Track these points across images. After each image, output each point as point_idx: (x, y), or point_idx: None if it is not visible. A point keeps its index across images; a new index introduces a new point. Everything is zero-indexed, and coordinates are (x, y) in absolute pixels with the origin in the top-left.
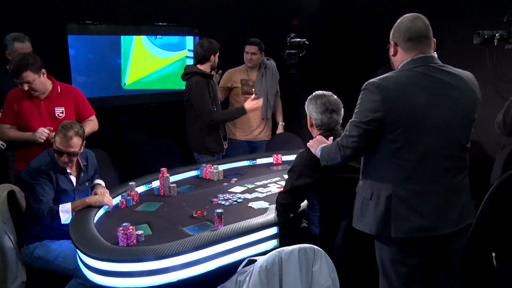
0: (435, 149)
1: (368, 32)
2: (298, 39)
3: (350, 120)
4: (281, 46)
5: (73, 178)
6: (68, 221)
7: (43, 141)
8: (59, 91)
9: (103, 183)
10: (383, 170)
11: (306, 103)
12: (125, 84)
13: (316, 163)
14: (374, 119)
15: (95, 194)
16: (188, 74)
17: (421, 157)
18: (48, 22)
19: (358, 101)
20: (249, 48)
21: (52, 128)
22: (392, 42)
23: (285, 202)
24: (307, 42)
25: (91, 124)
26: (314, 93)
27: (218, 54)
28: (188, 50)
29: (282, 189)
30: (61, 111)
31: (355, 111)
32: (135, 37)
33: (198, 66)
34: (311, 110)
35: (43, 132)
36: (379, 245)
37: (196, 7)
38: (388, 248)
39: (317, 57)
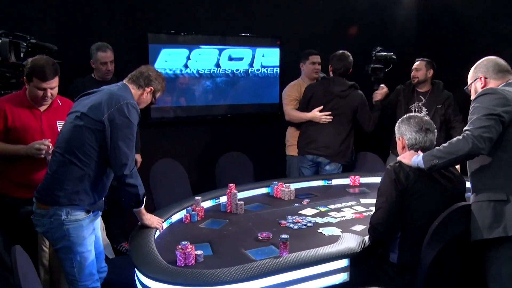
0: None
1: (463, 51)
2: (385, 53)
3: (473, 117)
4: (366, 60)
5: None
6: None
7: (42, 156)
8: (59, 103)
9: None
10: None
11: (396, 125)
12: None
13: (401, 176)
14: (505, 111)
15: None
16: (352, 87)
17: None
18: (131, 31)
19: (475, 107)
20: (316, 58)
21: (50, 140)
22: (480, 76)
23: (380, 222)
24: (395, 57)
25: None
26: (405, 115)
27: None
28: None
29: (357, 214)
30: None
31: (475, 113)
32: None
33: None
34: (404, 130)
35: (42, 145)
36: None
37: (278, 19)
38: None
39: (406, 74)
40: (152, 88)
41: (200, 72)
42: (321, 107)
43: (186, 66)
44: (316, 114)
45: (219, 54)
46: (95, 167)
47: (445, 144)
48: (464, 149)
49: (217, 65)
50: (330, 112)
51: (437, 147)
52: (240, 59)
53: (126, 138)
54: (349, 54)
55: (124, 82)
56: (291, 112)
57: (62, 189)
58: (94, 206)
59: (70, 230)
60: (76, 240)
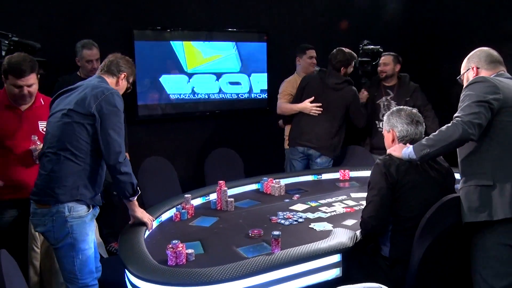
0: None
1: (451, 44)
2: (372, 46)
3: (463, 105)
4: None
5: None
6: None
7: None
8: (42, 102)
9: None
10: (504, 155)
11: (385, 118)
12: (192, 89)
13: (391, 169)
14: (495, 99)
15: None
16: (346, 82)
17: None
18: (116, 28)
19: (466, 94)
20: (312, 52)
21: (37, 137)
22: (472, 67)
23: (372, 216)
24: (381, 50)
25: None
26: (393, 109)
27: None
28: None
29: (348, 209)
30: (45, 125)
31: (465, 101)
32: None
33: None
34: (395, 122)
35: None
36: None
37: (265, 13)
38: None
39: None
40: (125, 73)
41: (187, 68)
42: (312, 98)
43: (171, 61)
44: (307, 105)
45: (205, 50)
46: (90, 161)
47: (435, 133)
48: (455, 134)
49: (204, 61)
50: (321, 104)
51: (426, 137)
52: (227, 54)
53: (116, 126)
54: (349, 51)
55: (98, 75)
56: (282, 105)
57: (62, 186)
58: (94, 200)
59: (73, 227)
60: (79, 237)
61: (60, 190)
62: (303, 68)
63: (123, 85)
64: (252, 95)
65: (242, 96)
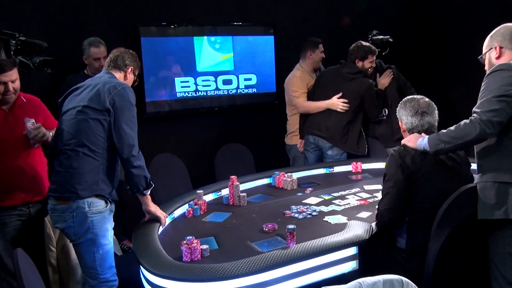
0: None
1: (461, 29)
2: (381, 37)
3: (483, 98)
4: None
5: None
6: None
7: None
8: (24, 100)
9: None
10: None
11: (397, 109)
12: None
13: (407, 159)
14: None
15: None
16: (360, 73)
17: None
18: (122, 25)
19: (487, 86)
20: (322, 46)
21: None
22: (495, 46)
23: (388, 208)
24: (391, 40)
25: None
26: (404, 98)
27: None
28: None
29: (362, 201)
30: (32, 121)
31: (486, 92)
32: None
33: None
34: (401, 114)
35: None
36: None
37: (271, 6)
38: None
39: (404, 57)
40: (131, 67)
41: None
42: (340, 94)
43: (180, 57)
44: (335, 101)
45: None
46: (107, 156)
47: (451, 128)
48: (471, 134)
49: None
50: (347, 100)
51: (443, 131)
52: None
53: (129, 121)
54: (367, 45)
55: (106, 70)
56: (305, 103)
57: (82, 181)
58: (112, 195)
59: (94, 222)
60: (100, 232)
61: (80, 185)
62: (314, 63)
63: (130, 78)
64: (261, 90)
65: (251, 91)
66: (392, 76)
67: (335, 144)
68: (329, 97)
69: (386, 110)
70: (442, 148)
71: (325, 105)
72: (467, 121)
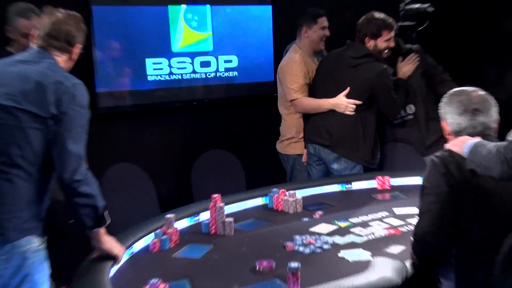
0: None
1: None
2: (417, 6)
3: None
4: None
5: None
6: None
7: None
8: None
9: None
10: None
11: (439, 105)
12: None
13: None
14: None
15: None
16: (367, 56)
17: None
18: None
19: None
20: (325, 21)
21: None
22: None
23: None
24: (431, 9)
25: None
26: (450, 91)
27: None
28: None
29: (391, 230)
30: None
31: None
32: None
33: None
34: (446, 112)
35: None
36: None
37: None
38: None
39: (448, 31)
40: (79, 44)
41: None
42: (347, 90)
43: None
44: (342, 100)
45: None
46: (39, 175)
47: (485, 148)
48: (494, 170)
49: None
50: (360, 102)
51: (485, 150)
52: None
53: (76, 134)
54: (382, 17)
55: (38, 49)
56: (304, 101)
57: (13, 217)
58: (42, 226)
59: (33, 266)
60: (40, 278)
61: (10, 223)
62: (313, 43)
63: (74, 59)
64: (253, 78)
65: (238, 78)
66: (418, 61)
67: (342, 153)
68: (329, 92)
69: (412, 106)
70: (474, 167)
71: (329, 105)
72: (494, 151)
